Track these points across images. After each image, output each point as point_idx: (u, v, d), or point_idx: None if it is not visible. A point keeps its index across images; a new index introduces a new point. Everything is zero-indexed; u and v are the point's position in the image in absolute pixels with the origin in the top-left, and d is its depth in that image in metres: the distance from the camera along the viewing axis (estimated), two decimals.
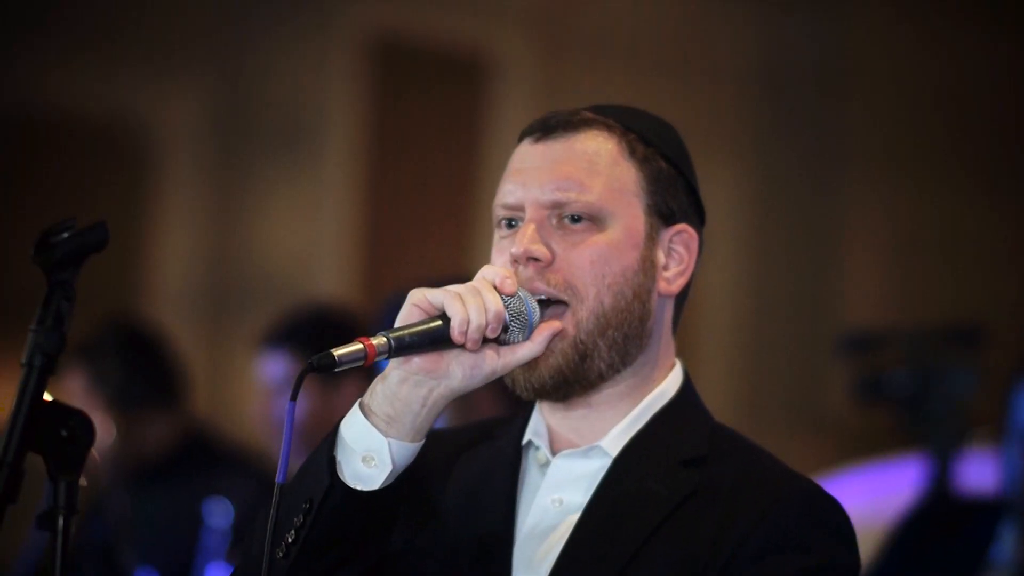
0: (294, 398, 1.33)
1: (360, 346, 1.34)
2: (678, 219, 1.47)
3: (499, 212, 1.47)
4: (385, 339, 1.35)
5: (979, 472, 2.90)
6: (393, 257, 4.91)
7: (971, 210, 5.64)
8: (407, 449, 1.39)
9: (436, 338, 1.37)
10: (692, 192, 1.50)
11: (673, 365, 1.50)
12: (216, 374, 4.93)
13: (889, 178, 5.76)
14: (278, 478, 1.34)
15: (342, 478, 1.38)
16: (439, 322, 1.37)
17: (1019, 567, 2.49)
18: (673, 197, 1.47)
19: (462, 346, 1.37)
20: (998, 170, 5.70)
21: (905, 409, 3.30)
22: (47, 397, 1.37)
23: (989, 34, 5.55)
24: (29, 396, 1.33)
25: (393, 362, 1.39)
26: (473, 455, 1.52)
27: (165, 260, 5.14)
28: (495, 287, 1.39)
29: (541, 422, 1.49)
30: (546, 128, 1.47)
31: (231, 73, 5.19)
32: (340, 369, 1.34)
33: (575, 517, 1.42)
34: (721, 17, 5.74)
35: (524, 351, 1.40)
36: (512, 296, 1.40)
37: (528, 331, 1.41)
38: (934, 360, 3.23)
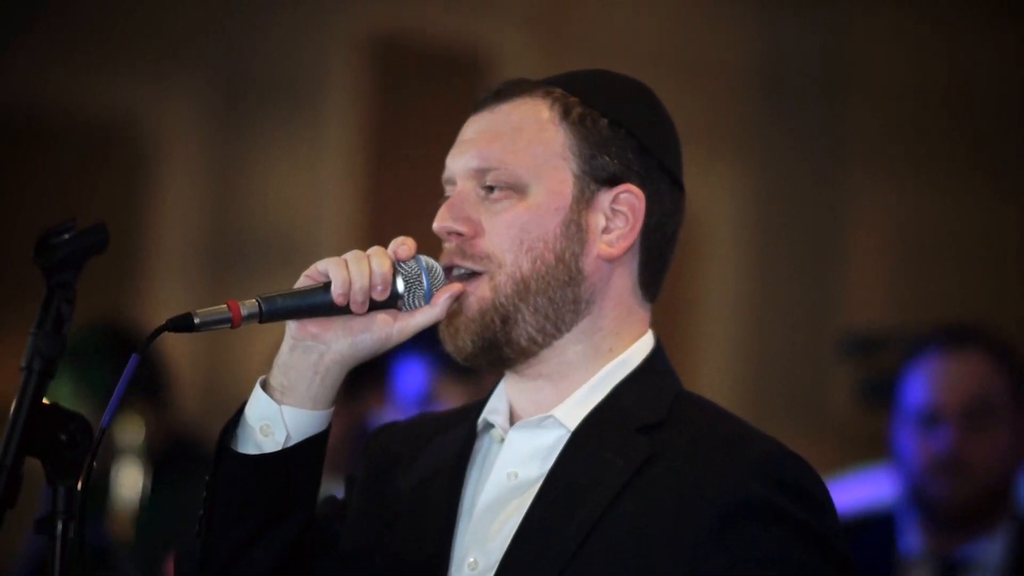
0: (141, 352, 1.33)
1: (224, 308, 1.34)
2: (621, 180, 1.43)
3: (443, 186, 1.48)
4: (255, 301, 1.35)
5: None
6: (395, 218, 4.90)
7: (976, 210, 5.63)
8: (305, 416, 1.39)
9: (315, 302, 1.36)
10: (643, 152, 1.44)
11: (642, 334, 1.46)
12: (217, 338, 4.92)
13: (893, 177, 5.75)
14: (103, 421, 1.34)
15: (242, 451, 1.38)
16: (320, 287, 1.37)
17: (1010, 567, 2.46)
18: (616, 158, 1.43)
19: (347, 311, 1.36)
20: (1003, 169, 5.68)
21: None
22: (46, 401, 1.35)
23: (995, 29, 5.54)
24: (28, 400, 1.31)
25: (286, 330, 1.39)
26: (439, 440, 1.51)
27: (166, 227, 5.12)
28: (393, 253, 1.39)
29: (502, 398, 1.47)
30: (485, 99, 1.47)
31: (232, 42, 5.16)
32: (203, 330, 1.33)
33: (531, 491, 1.40)
34: (722, 15, 5.73)
35: (422, 315, 1.40)
36: (407, 261, 1.39)
37: (427, 296, 1.40)
38: None
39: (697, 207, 3.95)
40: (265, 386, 1.40)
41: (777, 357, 5.71)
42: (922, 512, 2.41)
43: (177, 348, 3.98)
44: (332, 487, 1.73)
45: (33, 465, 1.35)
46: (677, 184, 1.47)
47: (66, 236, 3.00)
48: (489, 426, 1.48)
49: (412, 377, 3.47)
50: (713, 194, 5.44)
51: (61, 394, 3.35)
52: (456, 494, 1.45)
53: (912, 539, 2.45)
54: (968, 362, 2.27)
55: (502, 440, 1.46)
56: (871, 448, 4.13)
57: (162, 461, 3.65)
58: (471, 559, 1.41)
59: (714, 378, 5.43)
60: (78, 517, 1.33)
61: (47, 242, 1.69)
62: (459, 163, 1.45)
